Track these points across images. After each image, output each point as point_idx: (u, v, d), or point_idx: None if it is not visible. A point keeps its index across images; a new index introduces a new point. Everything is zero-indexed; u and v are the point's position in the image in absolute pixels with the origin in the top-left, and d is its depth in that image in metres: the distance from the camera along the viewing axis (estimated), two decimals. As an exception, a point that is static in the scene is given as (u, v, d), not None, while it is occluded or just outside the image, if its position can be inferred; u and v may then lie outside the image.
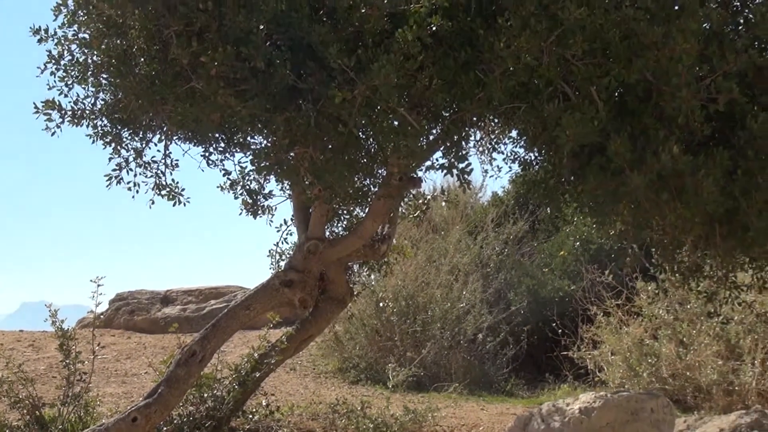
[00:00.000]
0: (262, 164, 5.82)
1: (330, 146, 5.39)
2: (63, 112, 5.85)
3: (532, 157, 6.19)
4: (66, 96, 5.88)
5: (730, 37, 5.75)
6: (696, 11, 5.35)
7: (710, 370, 8.36)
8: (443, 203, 13.94)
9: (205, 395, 7.06)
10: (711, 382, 8.33)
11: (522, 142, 6.22)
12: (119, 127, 6.01)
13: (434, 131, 6.07)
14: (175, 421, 6.88)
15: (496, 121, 6.02)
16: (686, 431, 7.36)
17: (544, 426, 6.58)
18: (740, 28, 5.98)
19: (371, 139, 5.58)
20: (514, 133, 6.25)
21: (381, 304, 11.26)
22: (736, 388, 8.23)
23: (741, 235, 5.88)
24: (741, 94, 5.48)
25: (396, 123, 5.45)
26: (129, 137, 6.10)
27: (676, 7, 5.43)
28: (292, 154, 5.76)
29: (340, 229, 7.07)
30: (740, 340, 8.55)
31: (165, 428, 6.81)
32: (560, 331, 10.58)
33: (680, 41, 5.17)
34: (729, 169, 5.46)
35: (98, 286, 7.47)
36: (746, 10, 6.10)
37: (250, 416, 7.41)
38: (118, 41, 5.51)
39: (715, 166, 5.33)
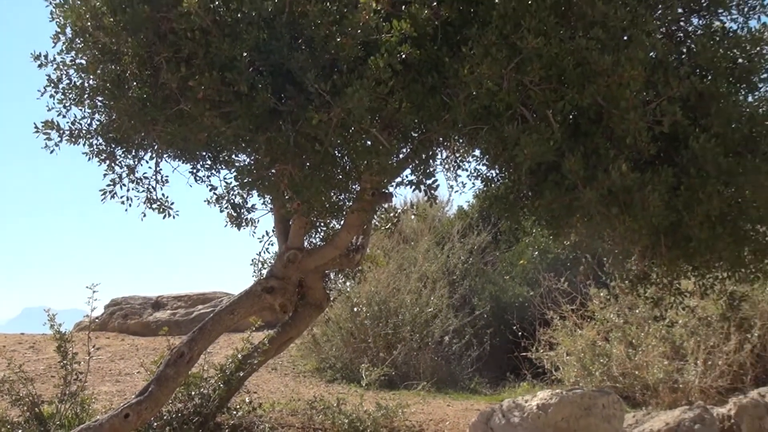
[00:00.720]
0: (246, 180, 5.83)
1: (308, 164, 5.39)
2: (61, 131, 5.84)
3: (494, 174, 6.21)
4: (64, 117, 5.87)
5: (674, 65, 5.79)
6: (643, 41, 5.39)
7: (657, 370, 8.39)
8: (413, 216, 13.94)
9: (193, 393, 7.04)
10: (657, 381, 8.36)
11: (484, 161, 6.24)
12: (113, 146, 6.00)
13: (404, 150, 6.09)
14: (164, 417, 6.86)
15: (460, 141, 6.04)
16: (635, 425, 7.38)
17: (505, 421, 6.59)
18: (683, 57, 6.03)
19: (346, 158, 5.59)
20: (477, 152, 6.29)
21: (355, 309, 11.26)
22: (681, 385, 8.27)
23: (684, 246, 5.92)
24: (684, 117, 5.52)
25: (368, 143, 5.46)
26: (122, 155, 6.09)
27: (625, 38, 5.48)
28: (272, 171, 5.76)
29: (317, 239, 7.07)
30: (684, 342, 8.60)
31: (155, 424, 6.79)
32: (520, 333, 10.60)
33: (628, 69, 5.21)
34: (673, 186, 5.50)
35: (93, 292, 7.49)
36: (689, 41, 6.17)
37: (234, 412, 7.39)
38: (113, 66, 5.50)
39: (660, 182, 5.37)
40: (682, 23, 6.25)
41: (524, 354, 10.19)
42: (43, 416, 7.00)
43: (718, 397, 8.07)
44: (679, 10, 6.13)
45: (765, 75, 6.12)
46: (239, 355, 7.36)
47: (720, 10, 6.17)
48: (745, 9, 6.14)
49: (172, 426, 6.86)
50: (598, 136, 5.50)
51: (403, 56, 5.08)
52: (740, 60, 6.06)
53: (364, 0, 4.92)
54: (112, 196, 6.15)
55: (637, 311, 9.00)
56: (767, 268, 7.01)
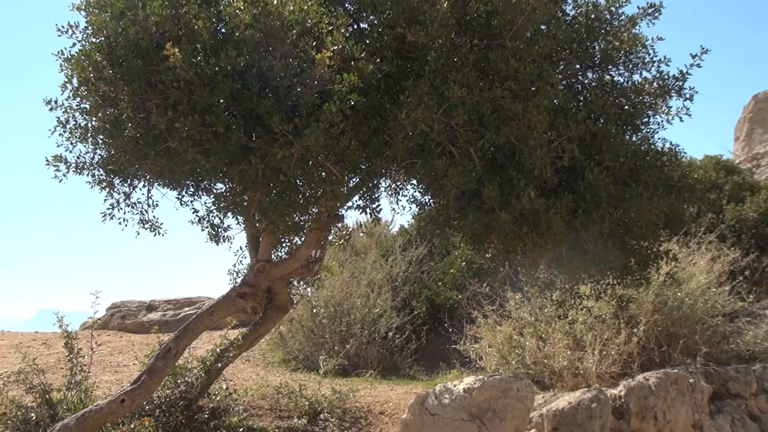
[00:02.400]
0: (222, 205, 5.81)
1: (274, 191, 5.39)
2: (68, 164, 5.80)
3: (427, 200, 6.24)
4: (71, 152, 5.84)
5: (573, 111, 5.87)
6: (547, 92, 5.46)
7: (562, 358, 8.44)
8: (362, 233, 13.95)
9: (179, 381, 6.98)
10: (562, 368, 8.41)
11: (419, 189, 6.28)
12: (112, 176, 5.96)
13: (353, 180, 6.10)
14: (155, 402, 6.80)
15: (400, 172, 6.06)
16: (544, 405, 7.43)
17: (437, 402, 6.60)
18: (580, 104, 6.12)
19: (305, 186, 5.58)
20: (413, 182, 6.29)
21: (315, 310, 11.22)
22: (581, 371, 8.32)
23: (582, 258, 5.99)
24: (581, 153, 5.61)
25: (324, 174, 5.47)
26: (119, 184, 6.05)
27: (533, 89, 5.55)
28: (245, 197, 5.76)
29: (282, 253, 7.04)
30: (583, 336, 8.65)
31: (147, 407, 6.72)
32: (450, 329, 10.61)
33: (535, 114, 5.27)
34: (572, 209, 5.56)
35: (96, 297, 7.46)
36: (585, 91, 6.25)
37: (214, 397, 7.33)
38: (111, 110, 5.46)
39: (562, 206, 5.43)
40: (579, 77, 6.33)
41: (454, 346, 10.19)
42: (52, 401, 6.91)
43: (611, 380, 8.13)
44: (577, 66, 6.23)
45: (646, 119, 6.22)
46: (218, 350, 7.32)
47: (610, 67, 6.27)
48: (630, 66, 6.25)
49: (161, 409, 6.80)
50: (511, 168, 5.54)
51: (352, 103, 5.10)
52: (626, 107, 6.16)
53: (320, 57, 4.93)
54: (111, 218, 6.12)
55: (545, 311, 9.05)
56: (650, 276, 7.12)
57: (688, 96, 6.17)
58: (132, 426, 6.43)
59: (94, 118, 5.64)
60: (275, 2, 5.06)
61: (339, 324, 11.11)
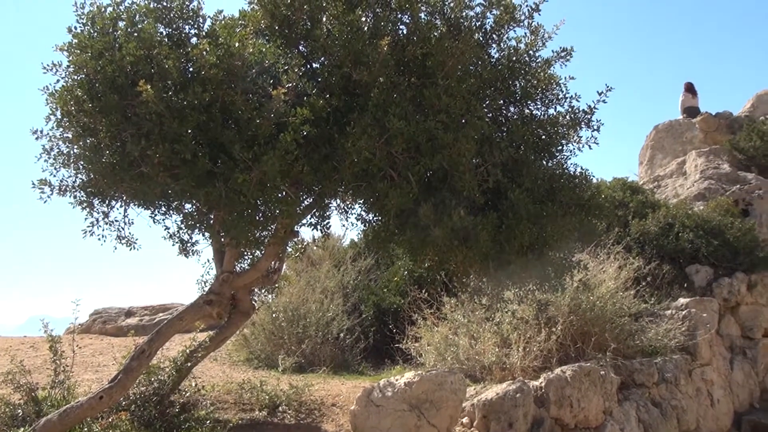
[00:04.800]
0: (190, 223, 5.79)
1: (236, 211, 5.37)
2: (52, 187, 5.73)
3: (371, 218, 6.26)
4: (54, 176, 5.77)
5: (497, 140, 5.94)
6: (475, 124, 5.54)
7: (491, 355, 8.47)
8: (315, 247, 13.92)
9: (152, 379, 6.89)
10: (491, 363, 8.43)
11: (364, 208, 6.29)
12: (91, 198, 5.87)
13: (307, 201, 6.11)
14: (130, 398, 6.70)
15: (347, 194, 6.08)
16: (475, 395, 7.45)
17: (381, 395, 6.60)
18: (503, 134, 6.18)
19: (264, 206, 5.58)
20: (360, 202, 6.31)
21: (274, 315, 11.12)
22: (507, 366, 8.36)
23: (505, 268, 6.05)
24: (504, 177, 5.68)
25: (280, 195, 5.48)
26: (98, 204, 5.96)
27: (462, 121, 5.61)
28: (210, 216, 5.74)
29: (245, 264, 6.97)
30: (509, 335, 8.70)
31: (124, 403, 6.62)
32: (394, 330, 10.61)
33: (464, 143, 5.35)
34: (497, 225, 5.63)
35: (77, 305, 7.37)
36: (507, 123, 6.33)
37: (184, 393, 7.24)
38: (91, 139, 5.41)
39: (488, 223, 5.49)
40: (503, 110, 6.41)
41: (397, 345, 10.19)
42: (38, 399, 6.77)
43: (533, 373, 8.18)
44: (500, 102, 6.32)
45: (560, 147, 6.33)
46: (187, 350, 7.24)
47: (529, 102, 6.37)
48: (546, 101, 6.36)
49: (136, 404, 6.70)
50: (443, 190, 5.60)
51: (305, 133, 5.13)
52: (543, 136, 6.26)
53: (276, 93, 4.95)
54: (91, 234, 6.04)
55: (476, 313, 9.09)
56: (565, 282, 7.22)
57: (596, 127, 6.31)
58: (110, 420, 6.32)
59: (75, 146, 5.58)
60: (237, 45, 5.08)
61: (296, 326, 11.05)
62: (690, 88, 20.06)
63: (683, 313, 10.45)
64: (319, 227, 6.05)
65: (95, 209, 6.00)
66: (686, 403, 9.39)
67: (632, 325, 9.67)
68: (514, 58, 6.17)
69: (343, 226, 7.85)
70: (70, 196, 5.89)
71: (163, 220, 6.14)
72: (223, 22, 5.46)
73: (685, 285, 11.59)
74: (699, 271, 11.98)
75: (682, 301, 10.77)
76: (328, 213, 6.20)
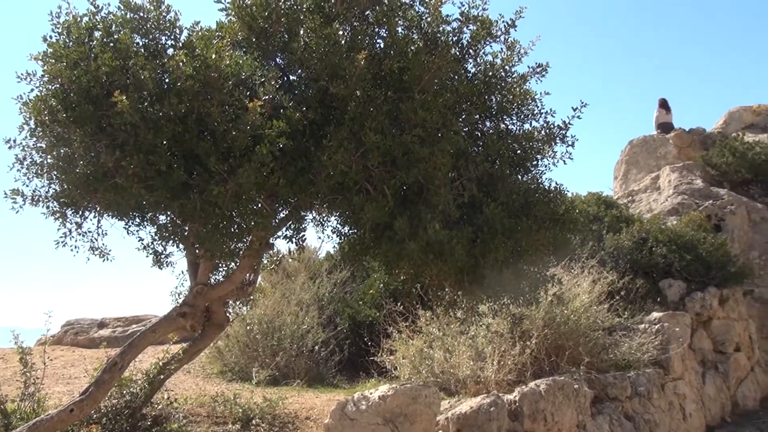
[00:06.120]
0: (165, 234, 5.75)
1: (210, 223, 5.35)
2: (24, 197, 5.67)
3: (347, 231, 6.27)
4: (27, 186, 5.70)
5: (473, 155, 5.97)
6: (451, 138, 5.56)
7: (465, 368, 8.49)
8: (291, 259, 13.89)
9: (124, 392, 6.83)
10: (466, 376, 8.45)
11: (340, 221, 6.29)
12: (65, 208, 5.81)
13: (282, 213, 6.11)
14: (102, 411, 6.63)
15: (323, 207, 6.07)
16: (449, 409, 7.45)
17: (355, 408, 6.59)
18: (479, 148, 6.22)
19: (239, 218, 5.56)
20: (335, 215, 6.31)
21: (249, 327, 11.09)
22: (482, 379, 8.37)
23: (480, 282, 6.06)
24: (479, 191, 5.71)
25: (255, 208, 5.47)
26: (72, 215, 5.90)
27: (438, 135, 5.63)
28: (185, 227, 5.71)
29: (219, 276, 6.92)
30: (484, 348, 8.73)
31: (95, 415, 6.55)
32: (369, 343, 10.59)
33: (440, 157, 5.36)
34: (472, 239, 5.64)
35: (49, 316, 7.29)
36: (483, 138, 6.36)
37: (156, 406, 7.18)
38: (65, 149, 5.37)
39: (463, 237, 5.51)
40: (478, 125, 6.44)
41: (372, 358, 10.17)
42: (7, 411, 6.67)
43: (507, 387, 8.20)
44: (476, 116, 6.35)
45: (535, 162, 6.38)
46: (161, 363, 7.18)
47: (504, 117, 6.41)
48: (522, 116, 6.41)
49: (108, 417, 6.63)
50: (419, 204, 5.61)
51: (281, 146, 5.11)
52: (518, 151, 6.30)
53: (253, 105, 4.94)
54: (64, 245, 5.98)
55: (451, 327, 9.11)
56: (539, 296, 7.25)
57: (570, 143, 6.39)
58: (80, 433, 6.27)
59: (49, 156, 5.53)
60: (213, 57, 5.07)
61: (271, 339, 11.02)
62: (664, 104, 20.33)
63: (656, 327, 10.54)
64: (294, 240, 6.04)
65: (68, 220, 5.94)
66: (659, 417, 9.45)
67: (606, 339, 9.74)
68: (491, 73, 6.21)
69: (319, 238, 7.87)
70: (42, 206, 5.83)
71: (137, 231, 6.10)
72: (200, 33, 5.45)
73: (659, 299, 11.71)
74: (672, 285, 12.11)
75: (655, 315, 10.87)
76: (303, 225, 6.18)
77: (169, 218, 5.78)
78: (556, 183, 6.35)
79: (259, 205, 5.49)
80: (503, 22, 6.11)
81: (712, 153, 17.54)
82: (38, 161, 5.66)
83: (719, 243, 12.93)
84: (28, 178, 5.73)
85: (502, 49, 6.21)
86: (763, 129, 18.94)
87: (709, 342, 12.07)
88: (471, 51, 6.22)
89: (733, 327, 12.44)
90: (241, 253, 6.19)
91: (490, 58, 6.24)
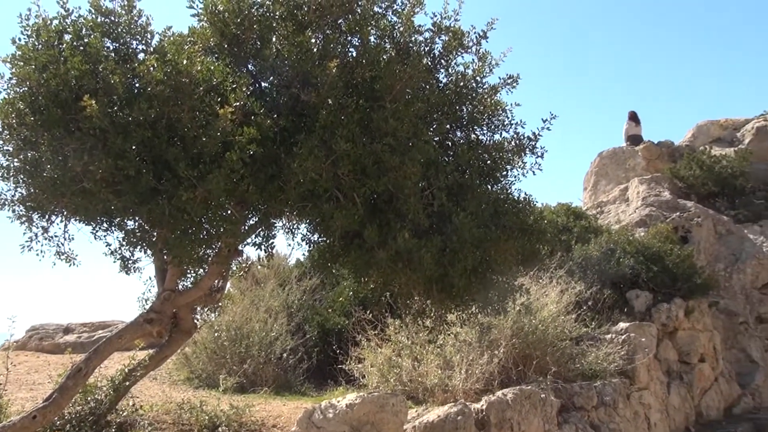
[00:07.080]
0: (132, 240, 5.70)
1: (179, 229, 5.33)
2: (-11, 200, 5.61)
3: (316, 238, 6.27)
4: (-7, 189, 5.65)
5: (443, 165, 6.00)
6: (421, 147, 5.59)
7: (433, 377, 8.50)
8: (260, 266, 13.84)
9: (89, 398, 6.77)
10: (434, 385, 8.46)
11: (310, 228, 6.29)
12: (31, 212, 5.75)
13: (252, 220, 6.10)
14: (66, 417, 6.57)
15: (293, 214, 6.06)
16: (417, 418, 7.47)
17: (322, 416, 6.59)
18: (449, 158, 6.25)
19: (208, 225, 5.54)
20: (305, 222, 6.31)
21: (216, 334, 11.02)
22: (450, 388, 8.39)
23: (449, 291, 6.09)
24: (449, 200, 5.74)
25: (224, 214, 5.45)
26: (38, 219, 5.83)
27: (409, 144, 5.66)
28: (153, 233, 5.67)
29: (188, 283, 6.88)
30: (452, 357, 8.75)
31: (58, 422, 6.49)
32: (338, 351, 10.58)
33: (410, 167, 5.39)
34: (441, 248, 5.67)
35: (12, 321, 7.22)
36: (453, 147, 6.40)
37: (121, 413, 7.13)
38: (32, 153, 5.31)
39: (432, 246, 5.53)
40: (449, 135, 6.48)
41: (341, 366, 10.16)
42: (-33, 418, 6.61)
43: (475, 396, 8.22)
44: (447, 126, 6.39)
45: (505, 172, 6.42)
46: (126, 369, 7.14)
47: (475, 127, 6.45)
48: (492, 127, 6.46)
49: (71, 424, 6.58)
50: (389, 212, 5.64)
51: (251, 153, 5.11)
52: (488, 162, 6.35)
53: (223, 112, 4.94)
54: (29, 249, 5.91)
55: (419, 335, 9.12)
56: (507, 306, 7.29)
57: (540, 154, 6.45)
58: (43, 440, 6.19)
59: (15, 160, 5.46)
60: (185, 62, 5.05)
61: (239, 346, 10.96)
62: (634, 117, 20.59)
63: (623, 337, 10.65)
64: (264, 247, 6.03)
65: (34, 224, 5.87)
66: (624, 427, 9.54)
67: (573, 349, 9.82)
68: (462, 84, 6.25)
69: (289, 245, 7.88)
70: (8, 210, 5.77)
71: (105, 236, 6.04)
72: (171, 38, 5.43)
73: (626, 310, 11.83)
74: (639, 296, 12.24)
75: (621, 325, 10.98)
76: (273, 233, 6.18)
77: (137, 224, 5.73)
78: (526, 193, 6.43)
79: (229, 212, 5.48)
80: (475, 33, 6.17)
81: (680, 166, 17.80)
82: (4, 164, 5.58)
83: (685, 255, 13.11)
84: (-7, 182, 5.67)
85: (473, 59, 6.26)
86: (729, 143, 19.25)
87: (674, 352, 12.21)
88: (443, 61, 6.27)
89: (698, 338, 12.60)
90: (209, 259, 6.16)
91: (461, 68, 6.29)
